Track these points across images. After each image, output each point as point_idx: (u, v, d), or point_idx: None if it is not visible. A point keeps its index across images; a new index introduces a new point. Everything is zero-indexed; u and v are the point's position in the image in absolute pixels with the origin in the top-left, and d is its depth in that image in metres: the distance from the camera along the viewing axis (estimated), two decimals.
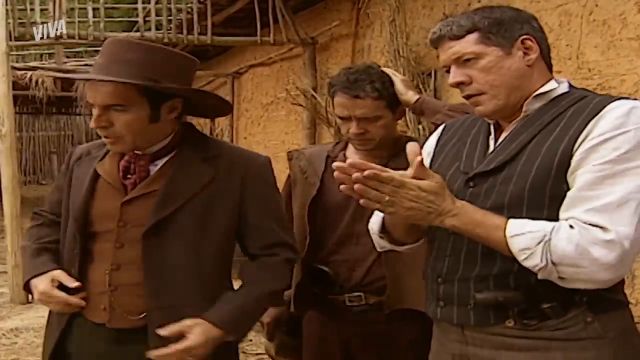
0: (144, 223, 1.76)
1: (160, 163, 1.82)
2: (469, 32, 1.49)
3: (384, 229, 1.67)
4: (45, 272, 1.83)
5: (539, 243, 1.34)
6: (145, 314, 1.77)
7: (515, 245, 1.36)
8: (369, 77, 2.05)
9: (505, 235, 1.37)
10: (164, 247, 1.77)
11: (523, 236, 1.36)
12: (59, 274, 1.81)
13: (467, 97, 1.53)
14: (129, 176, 1.82)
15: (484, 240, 1.41)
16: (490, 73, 1.48)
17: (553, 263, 1.33)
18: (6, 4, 5.85)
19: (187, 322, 1.72)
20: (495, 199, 1.45)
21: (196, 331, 1.72)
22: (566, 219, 1.36)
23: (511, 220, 1.38)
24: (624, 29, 3.02)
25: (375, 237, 1.71)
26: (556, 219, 1.38)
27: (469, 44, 1.49)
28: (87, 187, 1.84)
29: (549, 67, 1.55)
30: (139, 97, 1.72)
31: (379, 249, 1.73)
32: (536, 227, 1.36)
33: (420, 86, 4.43)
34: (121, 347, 1.80)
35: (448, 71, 1.55)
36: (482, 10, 1.53)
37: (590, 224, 1.32)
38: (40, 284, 1.80)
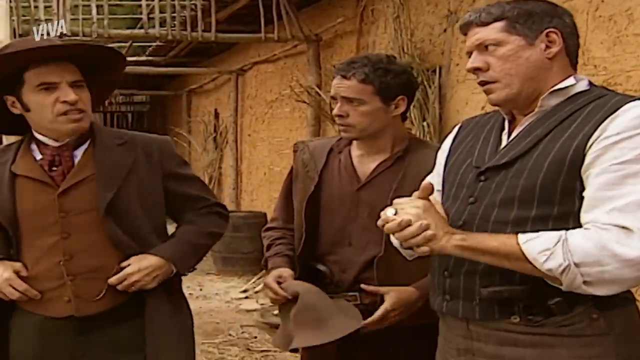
0: (87, 209, 1.84)
1: (80, 152, 1.89)
2: (497, 20, 1.50)
3: None
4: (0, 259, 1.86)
5: (557, 243, 1.34)
6: (104, 292, 1.84)
7: (532, 249, 1.35)
8: (365, 61, 2.04)
9: (518, 243, 1.37)
10: (122, 228, 1.86)
11: (538, 239, 1.35)
12: (20, 266, 1.85)
13: (481, 83, 1.54)
14: (54, 169, 1.86)
15: (495, 252, 1.40)
16: (507, 61, 1.49)
17: (576, 265, 1.32)
18: (10, 1, 5.84)
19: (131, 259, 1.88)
20: (506, 192, 1.45)
21: (133, 261, 1.87)
22: (587, 222, 1.35)
23: (520, 234, 1.38)
24: (630, 25, 3.00)
25: (403, 251, 1.69)
26: (566, 214, 1.38)
27: (493, 31, 1.50)
28: (7, 190, 1.86)
29: (573, 64, 1.54)
30: None
31: (409, 258, 1.71)
32: (550, 232, 1.36)
33: (425, 83, 4.41)
34: (89, 335, 1.85)
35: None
36: (516, 0, 1.53)
37: (611, 225, 1.32)
38: (5, 272, 1.83)
